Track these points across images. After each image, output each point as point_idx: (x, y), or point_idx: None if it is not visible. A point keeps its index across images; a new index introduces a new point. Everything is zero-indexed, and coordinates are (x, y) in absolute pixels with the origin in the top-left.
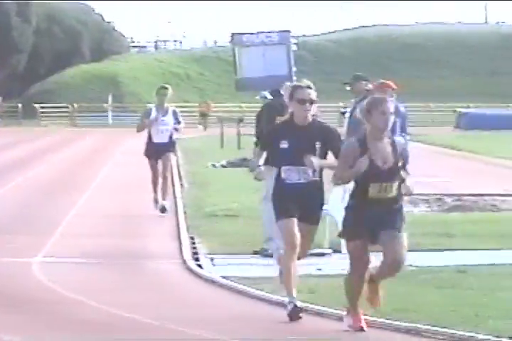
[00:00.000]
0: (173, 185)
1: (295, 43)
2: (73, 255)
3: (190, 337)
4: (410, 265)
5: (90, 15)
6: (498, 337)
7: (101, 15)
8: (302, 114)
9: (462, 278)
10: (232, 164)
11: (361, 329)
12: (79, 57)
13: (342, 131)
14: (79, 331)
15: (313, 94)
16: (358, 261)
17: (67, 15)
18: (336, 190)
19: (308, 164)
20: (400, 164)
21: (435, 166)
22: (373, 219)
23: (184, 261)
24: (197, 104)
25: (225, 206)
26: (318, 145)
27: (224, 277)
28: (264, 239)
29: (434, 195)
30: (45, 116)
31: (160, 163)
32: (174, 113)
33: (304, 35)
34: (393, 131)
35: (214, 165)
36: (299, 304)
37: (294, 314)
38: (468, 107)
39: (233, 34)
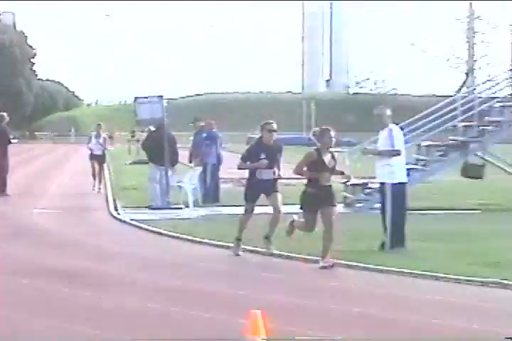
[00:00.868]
0: (104, 174)
1: (166, 102)
2: (54, 208)
3: (112, 251)
4: (223, 213)
5: (62, 88)
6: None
7: (67, 87)
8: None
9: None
10: (134, 162)
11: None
12: (56, 109)
13: (189, 145)
14: (53, 244)
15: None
16: None
17: (51, 88)
18: (187, 175)
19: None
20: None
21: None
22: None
23: (110, 211)
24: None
25: (131, 183)
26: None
27: (131, 219)
28: (150, 200)
29: (234, 178)
30: (40, 138)
31: (96, 164)
32: (104, 138)
33: (170, 98)
34: (216, 145)
35: (126, 163)
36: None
37: None
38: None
39: (136, 97)
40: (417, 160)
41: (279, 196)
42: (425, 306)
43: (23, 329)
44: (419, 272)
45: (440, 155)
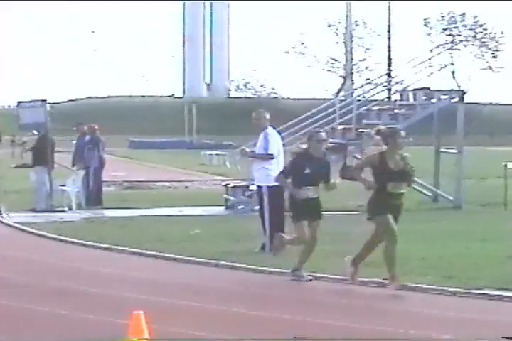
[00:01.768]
0: None
1: (50, 107)
2: None
3: None
4: (106, 216)
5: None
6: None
7: None
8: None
9: (132, 222)
10: (17, 166)
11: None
12: None
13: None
14: None
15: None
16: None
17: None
18: (70, 178)
19: None
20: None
21: (119, 167)
22: None
23: None
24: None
25: (14, 187)
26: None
27: (15, 222)
28: (34, 203)
29: (118, 181)
30: None
31: None
32: None
33: (54, 103)
34: (98, 149)
35: (10, 166)
36: None
37: None
38: (136, 137)
39: (18, 102)
40: None
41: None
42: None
43: None
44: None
45: None
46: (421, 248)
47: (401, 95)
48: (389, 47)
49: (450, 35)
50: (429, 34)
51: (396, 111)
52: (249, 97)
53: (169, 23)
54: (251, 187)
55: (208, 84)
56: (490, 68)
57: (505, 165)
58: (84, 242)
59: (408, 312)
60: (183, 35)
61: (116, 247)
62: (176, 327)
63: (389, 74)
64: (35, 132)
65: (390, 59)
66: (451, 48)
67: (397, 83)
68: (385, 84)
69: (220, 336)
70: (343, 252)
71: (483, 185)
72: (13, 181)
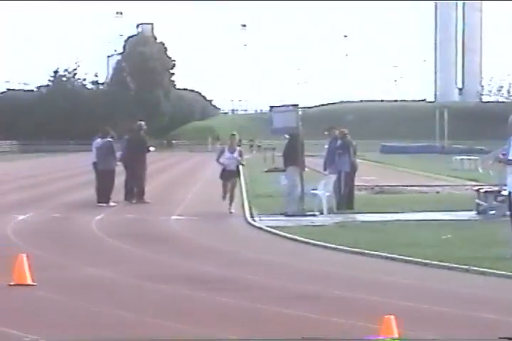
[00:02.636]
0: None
1: (301, 111)
2: (190, 215)
3: (248, 257)
4: (357, 220)
5: (199, 97)
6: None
7: (204, 97)
8: None
9: (384, 227)
10: (270, 170)
11: None
12: (193, 117)
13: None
14: (188, 253)
15: None
16: None
17: (188, 97)
18: (321, 182)
19: None
20: None
21: (370, 171)
22: None
23: (246, 218)
24: (253, 141)
25: (265, 191)
26: None
27: (267, 226)
28: (285, 207)
29: (369, 185)
30: (177, 147)
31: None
32: (240, 151)
33: (305, 107)
34: (349, 153)
35: (261, 171)
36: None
37: None
38: (387, 142)
39: (271, 106)
40: None
41: None
42: None
43: (161, 334)
44: None
45: None
46: None
47: None
48: None
49: None
50: None
51: None
52: (502, 102)
53: (421, 26)
54: (503, 193)
55: (459, 89)
56: None
57: None
58: (336, 246)
59: None
60: (435, 39)
61: (368, 251)
62: (426, 332)
63: None
64: (286, 136)
65: None
66: None
67: None
68: None
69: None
70: None
71: None
72: (264, 185)
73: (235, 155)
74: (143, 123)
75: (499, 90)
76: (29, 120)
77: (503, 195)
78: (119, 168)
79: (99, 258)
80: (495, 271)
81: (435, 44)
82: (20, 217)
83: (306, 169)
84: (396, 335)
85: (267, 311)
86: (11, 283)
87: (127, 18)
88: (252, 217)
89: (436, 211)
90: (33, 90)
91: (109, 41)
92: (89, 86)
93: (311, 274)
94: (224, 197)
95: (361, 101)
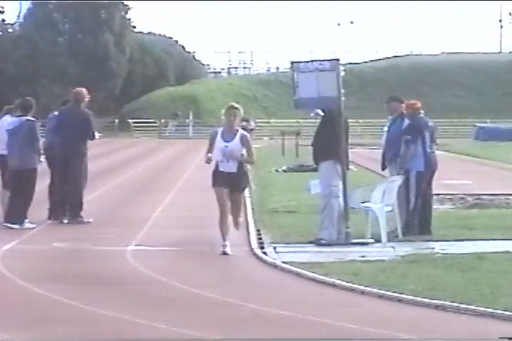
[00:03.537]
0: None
1: (343, 70)
2: (159, 244)
3: (255, 315)
4: (437, 252)
5: (174, 47)
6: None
7: (183, 47)
8: None
9: (481, 263)
10: (291, 169)
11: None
12: (165, 81)
13: (381, 142)
14: (159, 306)
15: None
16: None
17: (156, 47)
18: (377, 190)
19: None
20: None
21: (458, 171)
22: None
23: (252, 249)
24: (262, 120)
25: (285, 203)
26: None
27: (285, 262)
28: (320, 229)
29: (457, 194)
30: (137, 129)
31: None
32: (244, 137)
33: (350, 63)
34: (423, 141)
35: (277, 170)
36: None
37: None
38: (485, 122)
39: (292, 62)
40: None
41: None
42: None
43: None
44: None
45: None
46: None
47: None
48: None
49: None
50: None
51: None
52: None
53: None
54: None
55: None
56: None
57: None
58: (403, 297)
59: None
60: None
61: (454, 305)
62: None
63: None
64: (319, 113)
65: None
66: None
67: None
68: None
69: None
70: None
71: None
72: (282, 194)
73: (234, 144)
74: (83, 90)
75: None
76: None
77: None
78: (42, 167)
79: (5, 316)
80: None
81: None
82: None
83: (352, 167)
84: None
85: None
86: None
87: None
88: (261, 246)
89: None
90: None
91: None
92: None
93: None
94: (223, 223)
95: (442, 53)
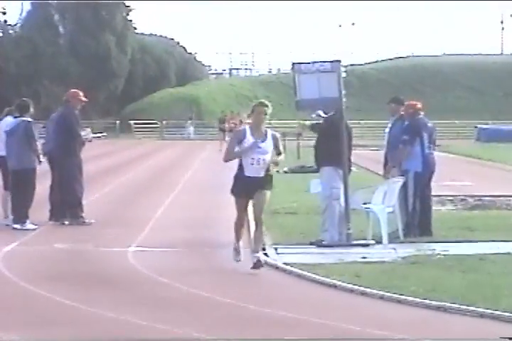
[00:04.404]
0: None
1: (344, 71)
2: (160, 245)
3: (256, 315)
4: (438, 253)
5: (175, 48)
6: None
7: (184, 48)
8: None
9: (482, 264)
10: (292, 170)
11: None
12: (166, 82)
13: (382, 143)
14: (159, 306)
15: None
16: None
17: (157, 47)
18: (378, 191)
19: None
20: None
21: (460, 172)
22: None
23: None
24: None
25: (287, 205)
26: None
27: (286, 264)
28: (321, 231)
29: (458, 196)
30: (139, 130)
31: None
32: (275, 138)
33: (351, 65)
34: (422, 142)
35: (277, 172)
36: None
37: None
38: (486, 123)
39: (293, 63)
40: None
41: None
42: None
43: None
44: None
45: None
46: None
47: None
48: None
49: None
50: None
51: None
52: None
53: None
54: None
55: None
56: None
57: None
58: (405, 298)
59: None
60: None
61: (455, 306)
62: None
63: None
64: (321, 114)
65: None
66: None
67: None
68: None
69: None
70: None
71: None
72: (283, 195)
73: (267, 144)
74: (73, 91)
75: None
76: None
77: None
78: (43, 167)
79: (7, 317)
80: None
81: None
82: None
83: (354, 168)
84: None
85: None
86: None
87: None
88: (262, 248)
89: None
90: None
91: None
92: None
93: None
94: (239, 237)
95: (444, 54)
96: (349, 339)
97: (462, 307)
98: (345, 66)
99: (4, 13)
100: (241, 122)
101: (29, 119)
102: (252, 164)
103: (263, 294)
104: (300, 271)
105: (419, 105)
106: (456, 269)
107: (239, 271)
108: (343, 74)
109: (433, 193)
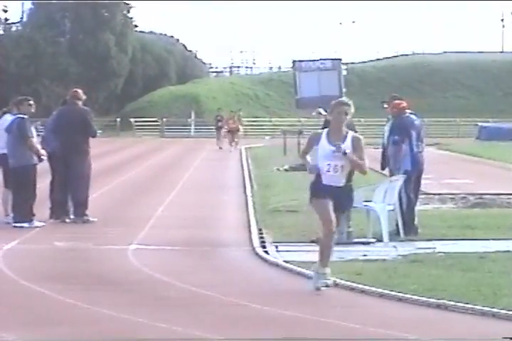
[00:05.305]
0: (245, 186)
1: (345, 69)
2: (161, 244)
3: (257, 315)
4: (438, 252)
5: (176, 46)
6: None
7: (184, 46)
8: None
9: (482, 263)
10: (293, 168)
11: None
12: (166, 80)
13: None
14: (159, 305)
15: None
16: None
17: (157, 46)
18: (378, 189)
19: None
20: None
21: (460, 170)
22: None
23: (253, 248)
24: (264, 119)
25: (287, 203)
26: None
27: (286, 261)
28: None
29: (459, 194)
30: (139, 128)
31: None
32: (356, 140)
33: (352, 63)
34: (410, 141)
35: (278, 169)
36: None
37: None
38: (487, 122)
39: (294, 61)
40: None
41: None
42: None
43: None
44: None
45: None
46: None
47: None
48: None
49: None
50: None
51: None
52: None
53: None
54: None
55: None
56: None
57: None
58: (404, 295)
59: None
60: None
61: (455, 304)
62: None
63: None
64: (321, 112)
65: None
66: None
67: None
68: None
69: None
70: None
71: None
72: (284, 193)
73: (345, 148)
74: (79, 91)
75: None
76: None
77: None
78: (43, 165)
79: (6, 316)
80: None
81: None
82: None
83: None
84: None
85: None
86: None
87: None
88: (263, 245)
89: None
90: None
91: None
92: None
93: None
94: (327, 244)
95: (444, 52)
96: (349, 337)
97: (462, 305)
98: (346, 64)
99: (6, 11)
100: (239, 120)
101: (22, 116)
102: (329, 171)
103: (264, 292)
104: (300, 269)
105: (403, 104)
106: (456, 268)
107: (239, 269)
108: (344, 73)
109: (434, 191)
